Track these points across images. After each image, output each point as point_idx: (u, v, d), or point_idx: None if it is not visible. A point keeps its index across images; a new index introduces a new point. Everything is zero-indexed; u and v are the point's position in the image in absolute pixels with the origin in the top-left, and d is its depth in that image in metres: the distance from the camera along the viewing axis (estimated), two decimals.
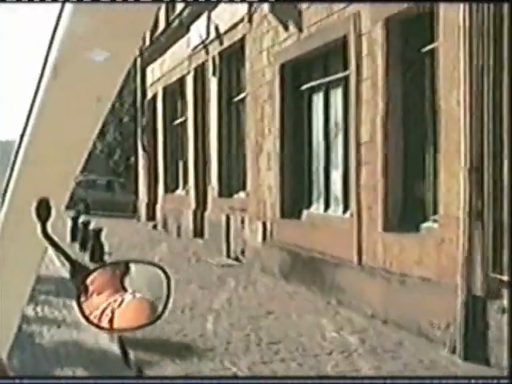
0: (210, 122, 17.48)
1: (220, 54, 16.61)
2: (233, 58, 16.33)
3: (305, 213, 12.27)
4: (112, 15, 1.16)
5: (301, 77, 12.46)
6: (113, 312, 1.41)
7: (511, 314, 6.95)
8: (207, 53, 17.51)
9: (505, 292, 7.08)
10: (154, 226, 22.65)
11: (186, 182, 20.39)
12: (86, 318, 1.41)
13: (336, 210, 11.43)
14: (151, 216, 24.13)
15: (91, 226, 16.20)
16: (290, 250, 12.20)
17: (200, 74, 18.43)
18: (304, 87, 12.37)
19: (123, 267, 1.46)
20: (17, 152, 1.39)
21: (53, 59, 1.22)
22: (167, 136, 22.54)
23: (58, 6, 1.17)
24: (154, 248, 17.68)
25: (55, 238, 1.40)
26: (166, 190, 22.25)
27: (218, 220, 16.04)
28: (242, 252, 14.60)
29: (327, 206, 11.76)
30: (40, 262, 1.56)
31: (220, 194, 16.56)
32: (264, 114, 13.49)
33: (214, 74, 17.03)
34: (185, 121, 20.19)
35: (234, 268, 14.08)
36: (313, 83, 12.12)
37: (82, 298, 1.40)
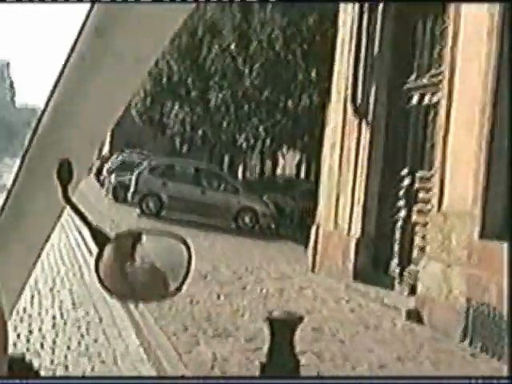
0: None
1: None
2: None
3: None
4: None
5: None
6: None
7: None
8: None
9: None
10: (411, 316, 8.98)
11: None
12: (103, 284, 1.35)
13: None
14: (368, 264, 10.81)
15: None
16: None
17: None
18: None
19: (136, 236, 1.37)
20: (42, 114, 1.33)
21: (92, 21, 1.20)
22: None
23: None
24: None
25: (75, 202, 1.33)
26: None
27: None
28: None
29: None
30: (55, 225, 1.49)
31: None
32: None
33: None
34: None
35: None
36: None
37: (100, 265, 1.34)
